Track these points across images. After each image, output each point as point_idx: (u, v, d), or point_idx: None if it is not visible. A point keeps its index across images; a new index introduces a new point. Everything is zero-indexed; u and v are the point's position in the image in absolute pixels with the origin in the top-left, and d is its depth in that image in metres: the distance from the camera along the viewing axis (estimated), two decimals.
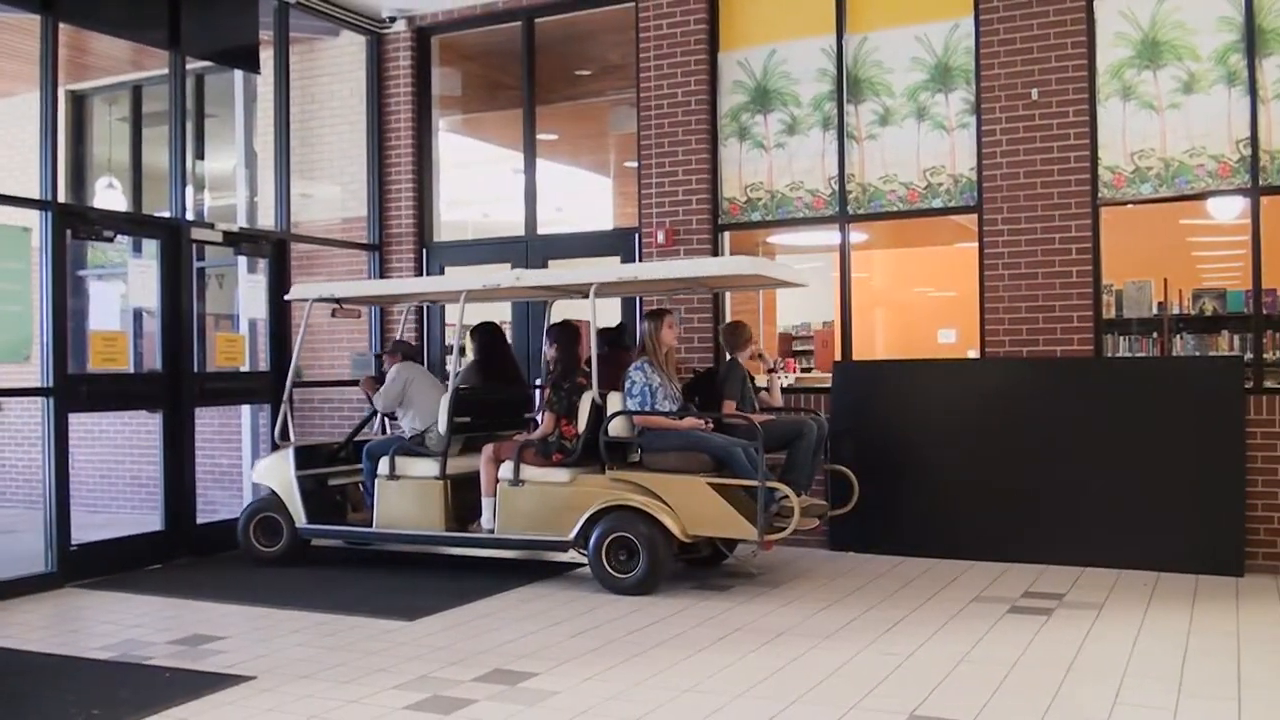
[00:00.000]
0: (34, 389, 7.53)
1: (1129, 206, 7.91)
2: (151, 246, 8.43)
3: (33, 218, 7.51)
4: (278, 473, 8.06)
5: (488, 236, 11.02)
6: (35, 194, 7.53)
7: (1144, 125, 7.76)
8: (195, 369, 8.58)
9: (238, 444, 10.02)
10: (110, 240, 8.04)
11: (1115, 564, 7.38)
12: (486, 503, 7.39)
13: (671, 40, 9.05)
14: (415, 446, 7.77)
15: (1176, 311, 8.77)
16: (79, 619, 6.66)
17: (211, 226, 8.76)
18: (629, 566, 6.89)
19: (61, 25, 7.77)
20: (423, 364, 8.53)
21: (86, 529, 8.20)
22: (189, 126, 8.93)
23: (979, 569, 7.49)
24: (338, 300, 8.52)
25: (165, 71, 8.67)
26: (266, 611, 6.60)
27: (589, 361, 7.40)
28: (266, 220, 9.67)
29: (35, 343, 7.47)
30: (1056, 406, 7.71)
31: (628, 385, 7.15)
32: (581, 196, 12.26)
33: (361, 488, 8.13)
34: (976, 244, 8.20)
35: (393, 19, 10.12)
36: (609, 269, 8.15)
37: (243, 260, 9.36)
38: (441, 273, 10.13)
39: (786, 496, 6.76)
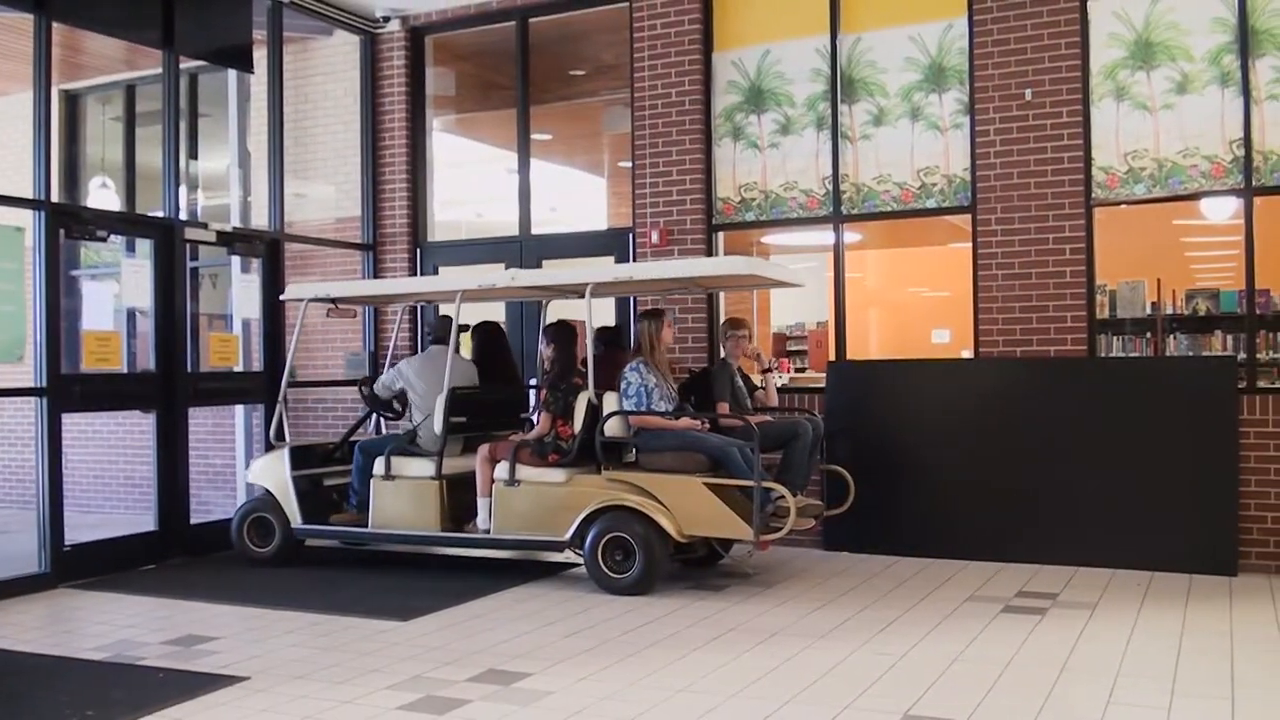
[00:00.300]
0: (27, 389, 7.51)
1: (1122, 207, 7.93)
2: (145, 246, 8.41)
3: (26, 217, 7.49)
4: (273, 473, 8.05)
5: (482, 236, 11.03)
6: (29, 193, 7.51)
7: (1137, 126, 7.78)
8: (189, 369, 8.56)
9: (231, 444, 10.00)
10: (104, 240, 8.02)
11: (1109, 563, 7.39)
12: (482, 503, 7.39)
13: (665, 40, 9.06)
14: (410, 446, 7.76)
15: (1170, 311, 8.80)
16: (72, 619, 6.65)
17: (205, 226, 8.74)
18: (625, 566, 6.89)
19: (55, 24, 7.75)
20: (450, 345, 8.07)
21: (80, 529, 8.20)
22: (183, 126, 8.91)
23: (973, 569, 7.50)
24: (333, 300, 8.51)
25: (159, 71, 8.65)
26: (260, 612, 6.59)
27: (585, 362, 7.40)
28: (260, 220, 9.66)
29: (28, 343, 7.45)
30: (1050, 407, 7.72)
31: (623, 386, 7.15)
32: (576, 196, 12.26)
33: (349, 487, 8.12)
34: (970, 244, 8.21)
35: (387, 19, 10.11)
36: (604, 269, 8.15)
37: (236, 260, 9.35)
38: (435, 273, 10.12)
39: (782, 497, 6.77)
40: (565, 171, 12.10)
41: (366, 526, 7.74)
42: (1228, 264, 8.67)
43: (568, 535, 7.03)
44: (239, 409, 9.70)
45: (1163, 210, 8.32)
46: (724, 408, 7.46)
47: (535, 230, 9.91)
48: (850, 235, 9.20)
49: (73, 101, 11.50)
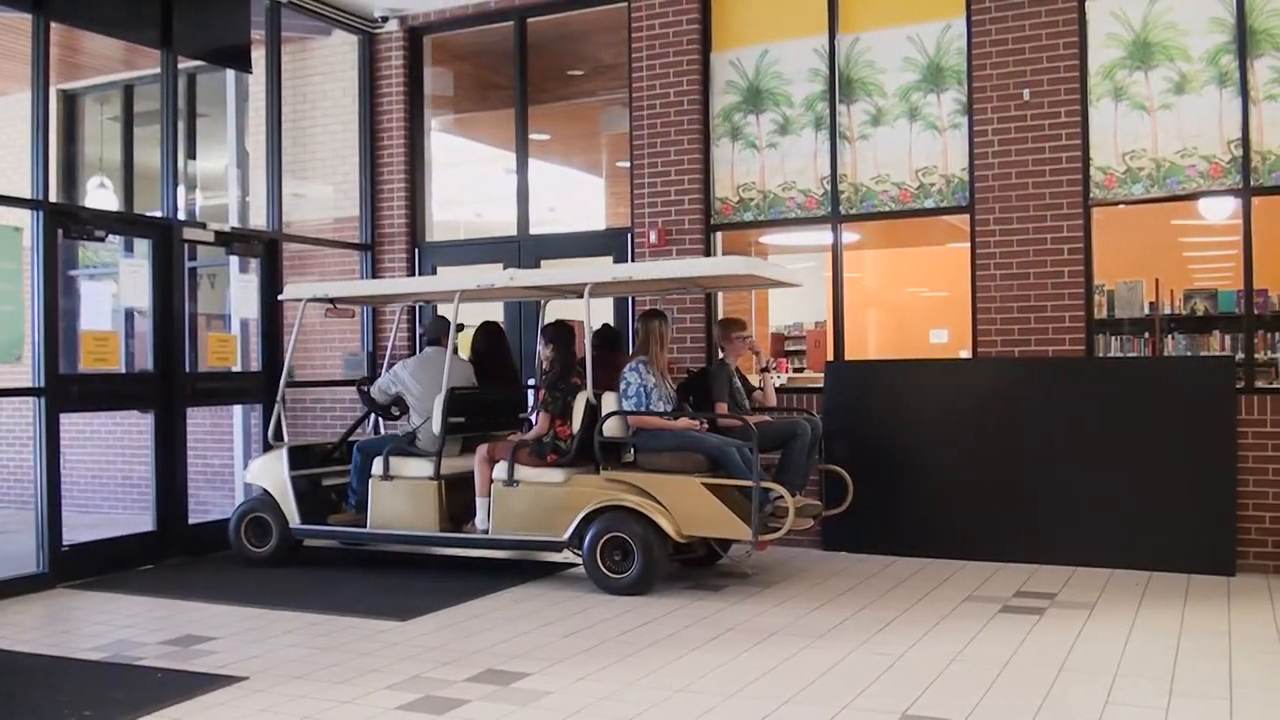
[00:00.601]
0: (25, 389, 7.51)
1: (1121, 207, 7.93)
2: (143, 246, 8.41)
3: (24, 217, 7.49)
4: (271, 473, 8.05)
5: (480, 236, 11.05)
6: (27, 193, 7.51)
7: (1136, 126, 7.78)
8: (187, 369, 8.57)
9: (229, 444, 10.00)
10: (102, 240, 8.01)
11: (1107, 563, 7.40)
12: (481, 503, 7.38)
13: (664, 40, 9.06)
14: (409, 446, 7.76)
15: (1168, 311, 8.80)
16: (70, 619, 6.64)
17: (203, 226, 8.74)
18: (624, 567, 6.89)
19: (53, 24, 7.75)
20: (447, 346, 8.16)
21: (78, 529, 8.20)
22: (181, 126, 8.90)
23: (971, 569, 7.50)
24: (331, 300, 8.51)
25: (157, 71, 8.65)
26: (258, 612, 6.59)
27: (583, 362, 7.40)
28: (258, 220, 9.65)
29: (26, 343, 7.44)
30: (1048, 406, 7.73)
31: (623, 386, 7.14)
32: (574, 196, 12.26)
33: (348, 487, 8.10)
34: (968, 244, 8.21)
35: (385, 18, 10.11)
36: (603, 269, 8.15)
37: (234, 260, 9.34)
38: (434, 273, 10.12)
39: (781, 497, 6.76)
40: (564, 171, 12.11)
41: (365, 527, 7.74)
42: (1226, 264, 8.66)
43: (566, 535, 7.03)
44: (237, 409, 9.69)
45: (1161, 210, 8.32)
46: (722, 408, 7.46)
47: (534, 230, 9.91)
48: (848, 235, 9.20)
49: (71, 101, 11.49)
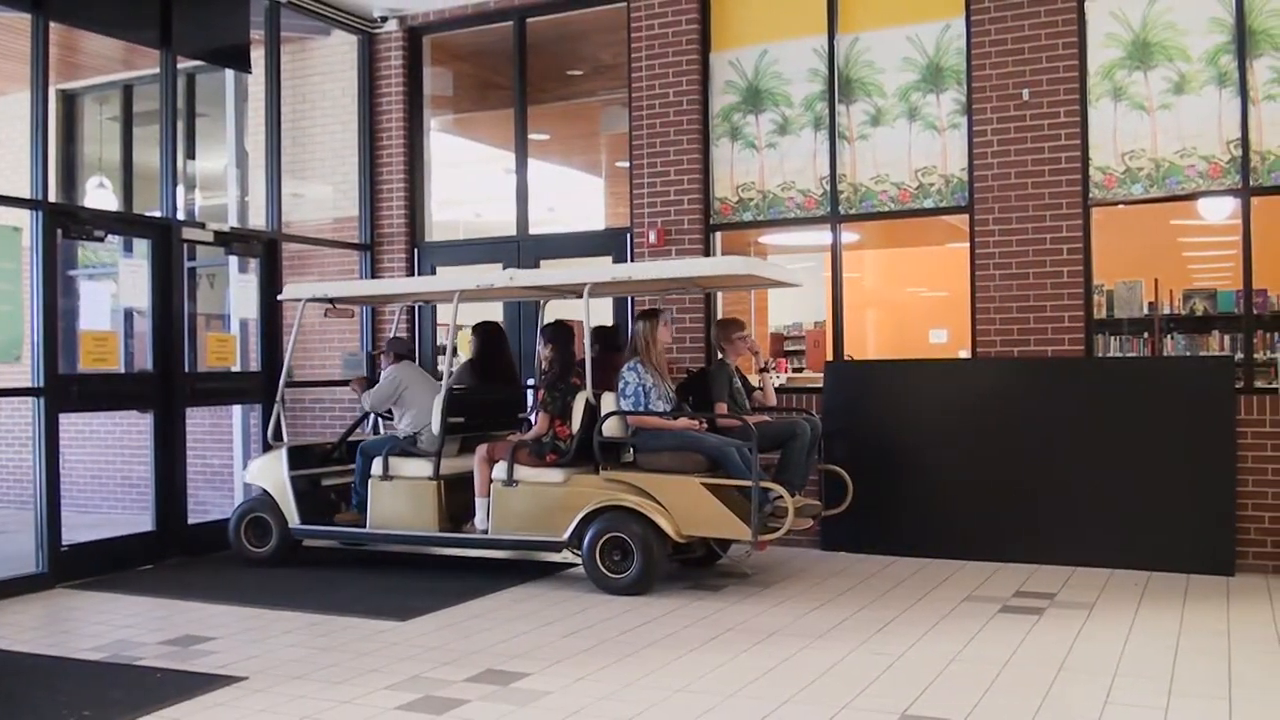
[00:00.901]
0: (24, 389, 7.51)
1: (1120, 207, 7.93)
2: (142, 246, 8.41)
3: (23, 217, 7.49)
4: (271, 473, 8.05)
5: (479, 236, 11.05)
6: (26, 193, 7.51)
7: (1135, 126, 7.78)
8: (186, 369, 8.57)
9: (229, 444, 10.00)
10: (101, 240, 8.01)
11: (1107, 563, 7.40)
12: (480, 503, 7.38)
13: (663, 40, 9.06)
14: (409, 447, 7.76)
15: (1167, 311, 8.79)
16: (70, 619, 6.64)
17: (203, 226, 8.74)
18: (623, 567, 6.88)
19: (52, 24, 7.75)
20: (415, 361, 8.50)
21: (77, 529, 8.20)
22: (180, 126, 8.90)
23: (970, 569, 7.51)
24: (331, 300, 8.51)
25: (156, 71, 8.66)
26: (258, 612, 6.59)
27: (583, 362, 7.40)
28: (258, 220, 9.65)
29: (26, 343, 7.44)
30: (1048, 407, 7.73)
31: (621, 386, 7.14)
32: (573, 196, 12.26)
33: (351, 487, 8.10)
34: (968, 244, 8.21)
35: (384, 18, 10.11)
36: (602, 269, 8.15)
37: (234, 260, 9.34)
38: (433, 273, 10.12)
39: (780, 497, 6.76)
40: (563, 171, 12.11)
41: (364, 527, 7.74)
42: (1225, 264, 8.66)
43: (566, 535, 7.03)
44: (236, 409, 9.69)
45: (1160, 210, 8.32)
46: (722, 408, 7.45)
47: (533, 230, 9.91)
48: (848, 235, 9.20)
49: (70, 101, 11.49)
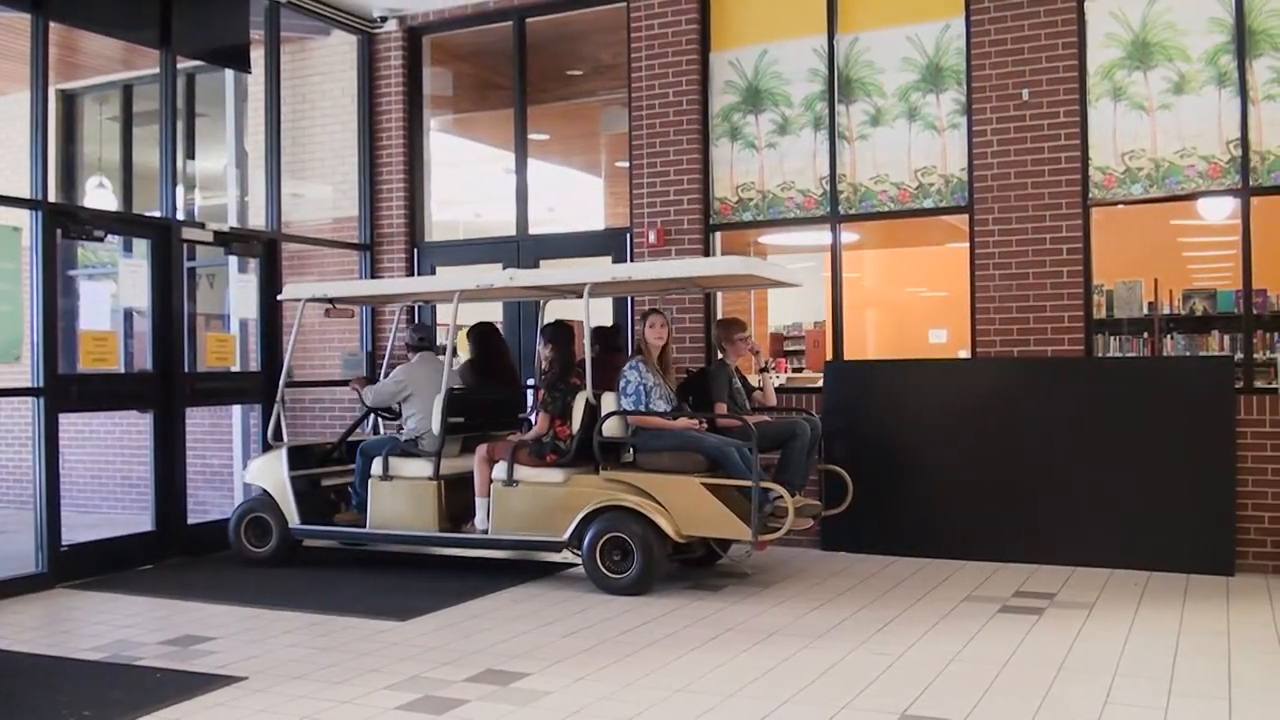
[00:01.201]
0: (24, 389, 7.50)
1: (1120, 207, 7.94)
2: (142, 246, 8.41)
3: (23, 217, 7.49)
4: (271, 473, 8.04)
5: (479, 236, 11.05)
6: (26, 193, 7.51)
7: (1135, 126, 7.78)
8: (186, 369, 8.57)
9: (229, 444, 10.00)
10: (101, 240, 8.01)
11: (1106, 563, 7.40)
12: (480, 503, 7.38)
13: (663, 40, 9.06)
14: (409, 447, 7.76)
15: (1167, 311, 8.79)
16: (70, 620, 6.64)
17: (202, 226, 8.74)
18: (623, 567, 6.88)
19: (52, 24, 7.75)
20: (435, 351, 8.36)
21: (77, 529, 8.20)
22: (180, 126, 8.90)
23: (970, 569, 7.51)
24: (331, 300, 8.51)
25: (156, 71, 8.66)
26: (258, 612, 6.59)
27: (583, 362, 7.40)
28: (257, 220, 9.65)
29: (25, 343, 7.44)
30: (1047, 407, 7.73)
31: (622, 385, 7.14)
32: (573, 197, 12.26)
33: (350, 488, 8.10)
34: (967, 244, 8.21)
35: (384, 18, 10.11)
36: (602, 269, 8.15)
37: (233, 260, 9.34)
38: (433, 273, 10.12)
39: (780, 497, 6.76)
40: (563, 171, 12.11)
41: (365, 527, 7.74)
42: (1225, 264, 8.65)
43: (566, 535, 7.03)
44: (236, 409, 9.70)
45: (1160, 210, 8.32)
46: (722, 408, 7.45)
47: (533, 230, 9.91)
48: (847, 235, 9.20)
49: (70, 101, 11.49)
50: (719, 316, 8.91)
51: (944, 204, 8.39)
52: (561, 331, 7.63)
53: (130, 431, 10.73)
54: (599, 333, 8.09)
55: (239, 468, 9.62)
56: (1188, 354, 8.46)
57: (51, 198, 7.70)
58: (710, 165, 9.10)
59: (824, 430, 7.91)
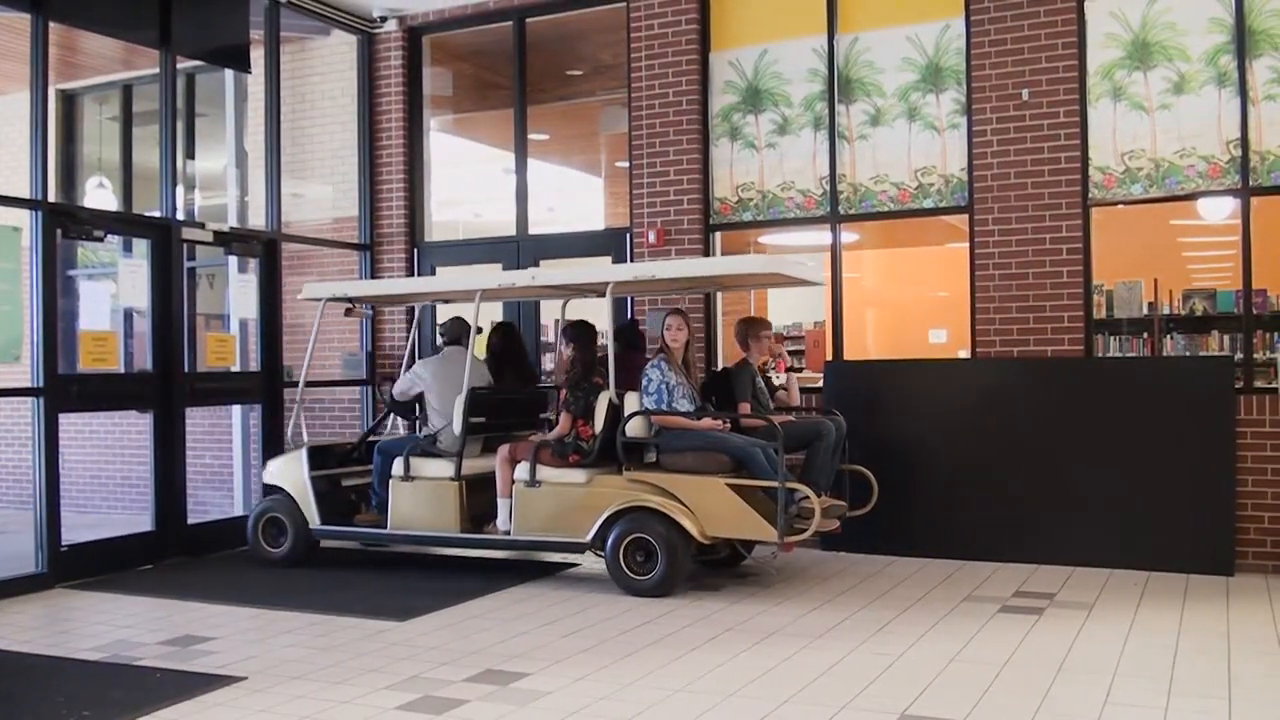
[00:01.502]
0: (24, 389, 7.51)
1: (1119, 207, 7.93)
2: (142, 246, 8.41)
3: (23, 217, 7.49)
4: (291, 474, 7.97)
5: (479, 236, 11.04)
6: (25, 193, 7.51)
7: (1134, 126, 7.78)
8: (186, 369, 8.56)
9: (228, 444, 10.00)
10: (100, 240, 8.01)
11: (1106, 563, 7.40)
12: (502, 504, 7.30)
13: (663, 40, 9.06)
14: (429, 447, 7.67)
15: (1167, 311, 8.79)
16: (69, 620, 6.64)
17: (202, 226, 8.74)
18: (647, 568, 6.80)
19: (52, 24, 7.75)
20: (468, 346, 7.86)
21: (77, 529, 8.19)
22: (179, 126, 8.90)
23: (970, 569, 7.51)
24: (351, 299, 8.45)
25: (156, 71, 8.66)
26: (258, 612, 6.59)
27: (605, 361, 7.26)
28: (257, 220, 9.65)
29: (25, 343, 7.44)
30: (1047, 407, 7.73)
31: (644, 384, 7.06)
32: (573, 197, 12.26)
33: (370, 488, 8.02)
34: (967, 244, 8.21)
35: (384, 18, 10.11)
36: (625, 268, 7.98)
37: (233, 260, 9.34)
38: (433, 273, 10.11)
39: (807, 497, 6.66)
40: (562, 171, 12.11)
41: (385, 528, 7.68)
42: (1225, 264, 8.66)
43: (589, 536, 6.94)
44: (236, 409, 9.70)
45: (1160, 210, 8.32)
46: (745, 407, 7.35)
47: (533, 230, 9.91)
48: (847, 235, 9.20)
49: (70, 101, 11.49)
50: (719, 317, 8.88)
51: (944, 204, 8.39)
52: (583, 331, 7.53)
53: (130, 431, 10.73)
54: (620, 331, 7.99)
55: (239, 468, 9.62)
56: (1188, 354, 8.46)
57: (51, 198, 7.70)
58: (710, 165, 9.10)
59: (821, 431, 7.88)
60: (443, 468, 7.52)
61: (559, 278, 7.82)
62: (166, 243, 8.37)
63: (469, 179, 12.02)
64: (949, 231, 9.17)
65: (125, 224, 8.98)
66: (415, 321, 9.37)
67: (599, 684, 5.02)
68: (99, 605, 6.90)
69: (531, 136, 10.04)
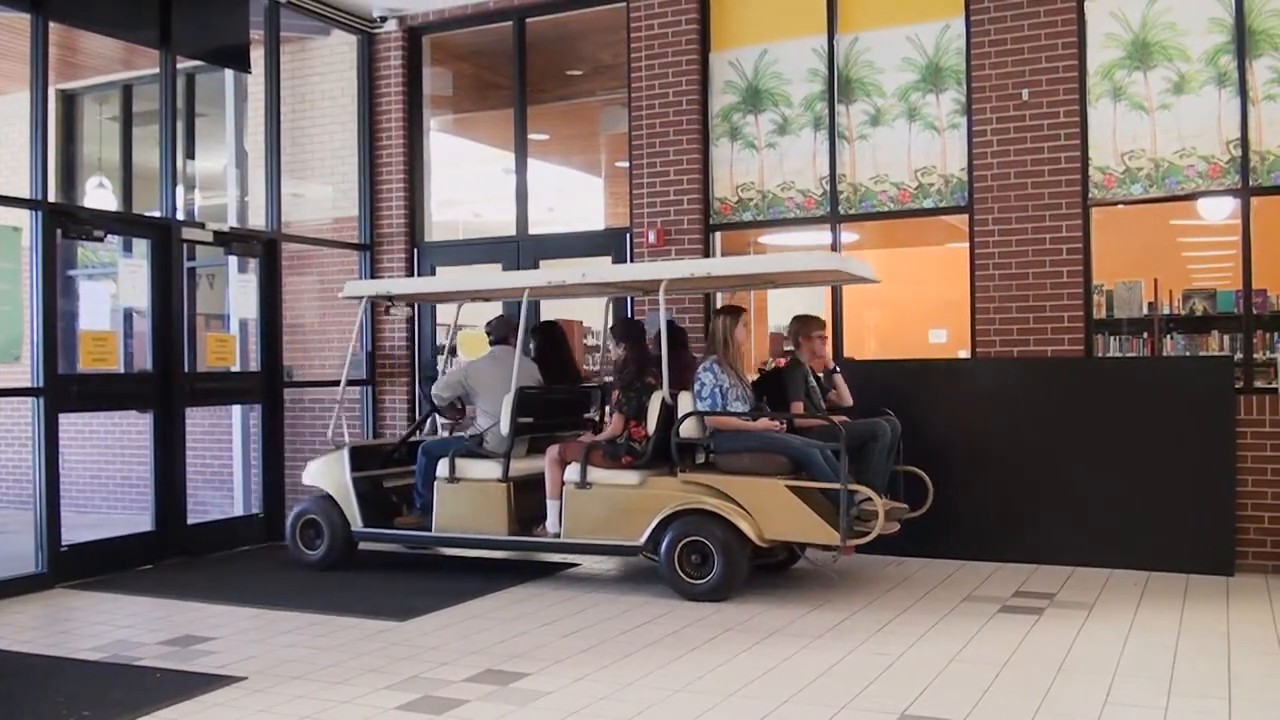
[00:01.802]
0: (24, 389, 7.51)
1: (1119, 207, 7.94)
2: (142, 246, 8.41)
3: (23, 217, 7.49)
4: (333, 475, 7.83)
5: (479, 236, 11.04)
6: (25, 193, 7.51)
7: (1134, 126, 7.78)
8: (186, 369, 8.56)
9: (228, 444, 10.00)
10: (100, 240, 8.02)
11: (1106, 563, 7.40)
12: (552, 505, 7.16)
13: (663, 40, 9.06)
14: (475, 448, 7.52)
15: (1167, 311, 8.79)
16: (69, 620, 6.64)
17: (202, 226, 8.74)
18: (703, 571, 6.66)
19: (52, 24, 7.75)
20: (516, 346, 7.65)
21: (77, 529, 8.20)
22: (179, 126, 8.90)
23: (970, 569, 7.50)
24: (391, 297, 8.37)
25: (156, 71, 8.66)
26: (258, 612, 6.59)
27: (658, 360, 7.05)
28: (257, 220, 9.65)
29: (25, 343, 7.45)
30: (1047, 407, 7.72)
31: (697, 386, 6.95)
32: (573, 197, 12.26)
33: (414, 490, 7.87)
34: (967, 244, 8.21)
35: (384, 18, 10.11)
36: (680, 265, 7.79)
37: (233, 260, 9.34)
38: (432, 273, 10.10)
39: (869, 499, 6.53)
40: (562, 171, 12.11)
41: (429, 529, 7.55)
42: (1225, 264, 8.65)
43: (643, 539, 6.79)
44: (236, 409, 9.69)
45: (1160, 210, 8.31)
46: (799, 407, 7.21)
47: (533, 230, 9.91)
48: (847, 235, 9.19)
49: (70, 101, 11.49)
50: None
51: (944, 204, 8.39)
52: (634, 329, 7.40)
53: (130, 431, 10.73)
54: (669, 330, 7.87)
55: (239, 468, 9.62)
56: (1188, 354, 8.46)
57: (51, 198, 7.70)
58: (710, 165, 9.10)
59: None
60: (490, 469, 7.36)
61: (610, 275, 7.68)
62: (166, 243, 8.37)
63: (469, 179, 12.02)
64: (949, 231, 9.17)
65: (125, 224, 8.98)
66: (455, 319, 8.95)
67: (599, 684, 5.02)
68: (99, 605, 6.90)
69: (531, 136, 10.04)
